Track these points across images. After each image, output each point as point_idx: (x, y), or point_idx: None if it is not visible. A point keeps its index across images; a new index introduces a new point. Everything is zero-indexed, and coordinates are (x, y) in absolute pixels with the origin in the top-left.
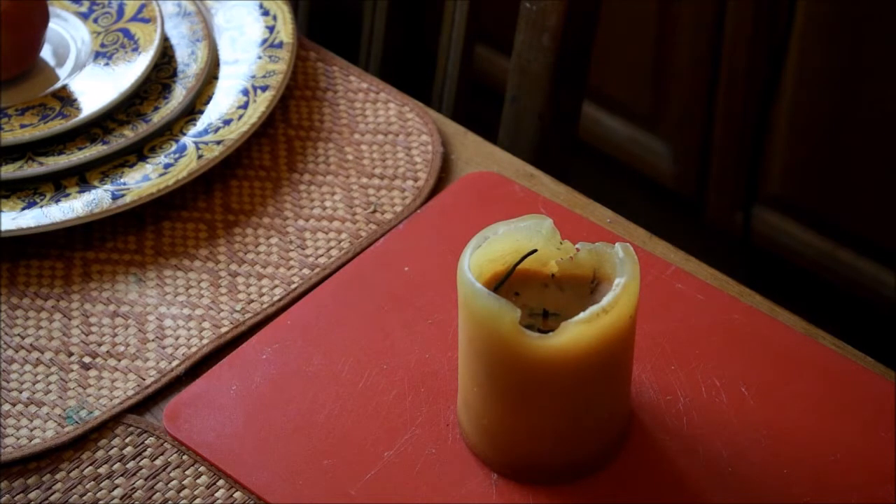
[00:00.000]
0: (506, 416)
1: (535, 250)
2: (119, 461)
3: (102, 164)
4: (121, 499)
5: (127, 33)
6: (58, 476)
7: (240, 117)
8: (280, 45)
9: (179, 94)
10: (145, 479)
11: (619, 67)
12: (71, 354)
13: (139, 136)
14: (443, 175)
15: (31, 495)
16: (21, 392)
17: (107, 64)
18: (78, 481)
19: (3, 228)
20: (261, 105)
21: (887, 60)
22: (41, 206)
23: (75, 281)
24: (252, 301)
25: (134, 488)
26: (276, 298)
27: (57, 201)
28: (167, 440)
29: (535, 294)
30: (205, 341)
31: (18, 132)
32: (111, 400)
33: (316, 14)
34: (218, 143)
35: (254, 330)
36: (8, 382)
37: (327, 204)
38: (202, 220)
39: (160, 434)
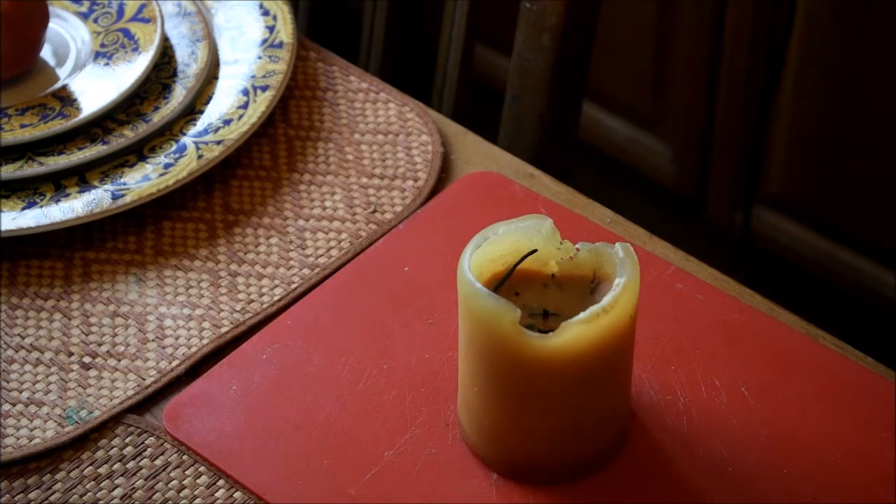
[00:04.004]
0: (506, 416)
1: (535, 250)
2: (119, 461)
3: (102, 164)
4: (121, 499)
5: (127, 33)
6: (58, 476)
7: (240, 117)
8: (280, 45)
9: (179, 94)
10: (145, 479)
11: (619, 67)
12: (71, 354)
13: (139, 136)
14: (443, 175)
15: (31, 495)
16: (21, 392)
17: (107, 64)
18: (78, 481)
19: (3, 228)
20: (261, 105)
21: (887, 61)
22: (41, 206)
23: (75, 281)
24: (252, 301)
25: (134, 488)
26: (276, 298)
27: (57, 201)
28: (167, 440)
29: (535, 294)
30: (205, 341)
31: (18, 132)
32: (111, 400)
33: (316, 14)
34: (218, 143)
35: (254, 330)
36: (8, 382)
37: (327, 204)
38: (202, 220)
39: (160, 434)
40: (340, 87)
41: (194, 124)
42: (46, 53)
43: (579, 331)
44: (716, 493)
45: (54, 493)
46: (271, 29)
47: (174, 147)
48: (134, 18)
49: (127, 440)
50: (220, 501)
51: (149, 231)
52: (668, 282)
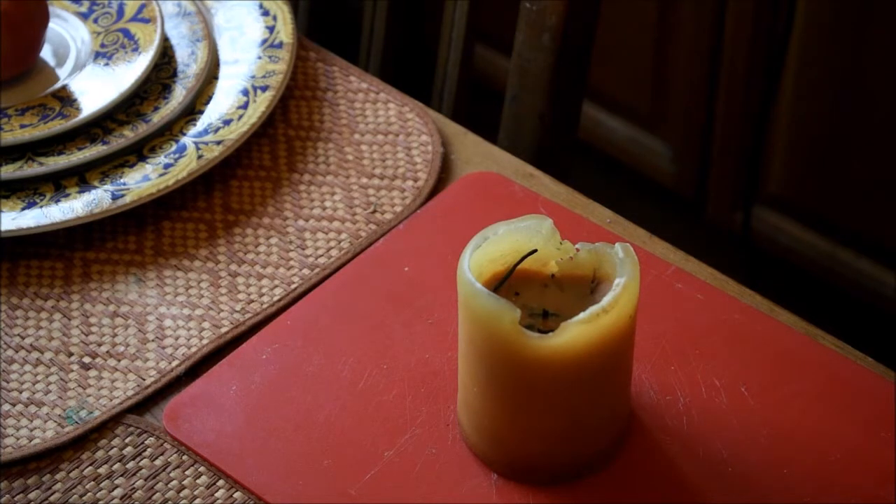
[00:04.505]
0: (506, 416)
1: (535, 250)
2: (119, 461)
3: (102, 164)
4: (121, 499)
5: (127, 33)
6: (58, 476)
7: (240, 117)
8: (280, 45)
9: (179, 94)
10: (145, 479)
11: (619, 67)
12: (71, 354)
13: (139, 136)
14: (443, 175)
15: (31, 495)
16: (21, 392)
17: (107, 64)
18: (78, 481)
19: (3, 228)
20: (261, 105)
21: (887, 60)
22: (41, 206)
23: (75, 281)
24: (252, 301)
25: (134, 488)
26: (276, 298)
27: (57, 201)
28: (167, 440)
29: (535, 294)
30: (205, 341)
31: (18, 132)
32: (111, 400)
33: (316, 14)
34: (218, 143)
35: (254, 330)
36: (8, 382)
37: (327, 204)
38: (202, 220)
39: (160, 434)
40: (340, 87)
41: (194, 124)
42: (46, 53)
43: (579, 331)
44: (716, 493)
45: (54, 493)
46: (271, 29)
47: (174, 147)
48: (134, 18)
49: (127, 440)
50: (220, 501)
51: (149, 231)
52: (668, 282)
